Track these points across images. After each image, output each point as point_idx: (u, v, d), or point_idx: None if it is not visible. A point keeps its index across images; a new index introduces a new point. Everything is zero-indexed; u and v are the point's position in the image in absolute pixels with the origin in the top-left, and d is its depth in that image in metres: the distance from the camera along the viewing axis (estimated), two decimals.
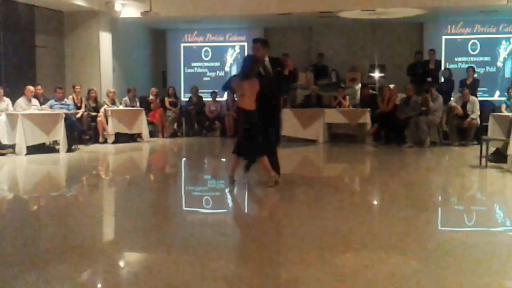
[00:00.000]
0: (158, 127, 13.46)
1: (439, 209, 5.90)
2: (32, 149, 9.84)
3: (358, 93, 13.52)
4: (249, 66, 6.40)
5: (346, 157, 10.36)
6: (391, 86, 12.24)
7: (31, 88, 10.46)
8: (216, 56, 15.73)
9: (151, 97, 13.58)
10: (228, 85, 6.91)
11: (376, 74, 14.29)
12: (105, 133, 11.90)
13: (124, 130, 12.13)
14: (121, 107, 12.43)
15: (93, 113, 11.90)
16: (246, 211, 5.89)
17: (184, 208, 6.02)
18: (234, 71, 15.68)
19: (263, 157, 6.49)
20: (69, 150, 10.35)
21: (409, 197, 6.36)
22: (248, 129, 6.50)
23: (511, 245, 4.32)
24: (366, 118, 11.89)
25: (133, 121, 12.25)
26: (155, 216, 5.50)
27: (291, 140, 12.16)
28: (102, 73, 13.20)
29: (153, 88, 13.86)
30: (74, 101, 11.47)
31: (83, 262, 3.77)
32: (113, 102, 12.36)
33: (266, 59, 6.68)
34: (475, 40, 14.26)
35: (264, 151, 6.51)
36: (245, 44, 15.54)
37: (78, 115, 11.38)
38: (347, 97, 12.79)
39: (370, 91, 13.30)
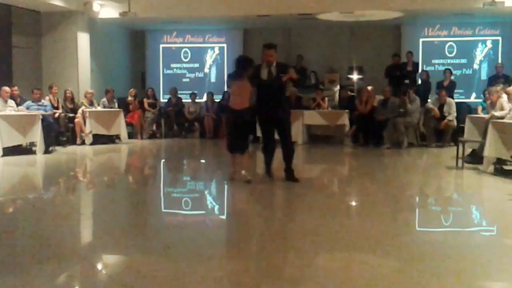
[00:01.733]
0: (137, 128, 13.38)
1: (417, 209, 5.95)
2: (9, 151, 9.70)
3: (337, 94, 13.61)
4: (241, 66, 6.52)
5: (325, 159, 10.41)
6: (369, 88, 12.33)
7: (6, 89, 10.31)
8: (195, 57, 15.68)
9: (129, 98, 13.49)
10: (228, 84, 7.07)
11: (355, 76, 14.39)
12: (83, 134, 11.79)
13: (102, 131, 12.02)
14: (99, 108, 12.32)
15: (71, 114, 11.78)
16: (223, 212, 5.87)
17: (163, 210, 5.98)
18: (213, 73, 15.68)
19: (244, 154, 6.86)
20: (46, 151, 10.23)
21: (387, 198, 6.40)
22: (241, 126, 6.73)
23: (487, 245, 4.38)
24: (344, 119, 11.96)
25: (112, 122, 12.15)
26: (134, 218, 5.46)
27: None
28: (80, 74, 13.08)
29: (131, 89, 13.78)
30: (51, 102, 11.34)
31: (60, 265, 3.72)
32: (91, 103, 12.25)
33: (274, 63, 6.78)
34: (452, 43, 14.42)
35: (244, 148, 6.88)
36: (225, 45, 15.52)
37: (56, 115, 11.26)
38: (326, 98, 12.85)
39: (349, 92, 13.39)
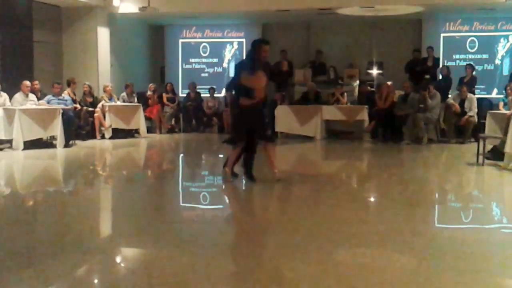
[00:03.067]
0: (156, 123, 13.44)
1: (436, 206, 5.91)
2: (29, 144, 9.82)
3: (356, 90, 13.53)
4: (255, 59, 6.54)
5: (344, 154, 10.37)
6: (389, 83, 12.24)
7: (27, 83, 10.42)
8: (214, 52, 15.69)
9: (149, 92, 13.56)
10: (234, 85, 6.87)
11: (374, 71, 14.29)
12: (102, 128, 11.88)
13: (122, 125, 12.10)
14: (118, 103, 12.41)
15: (90, 109, 11.88)
16: (243, 208, 5.89)
17: (182, 204, 6.01)
18: (232, 68, 15.67)
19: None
20: (67, 145, 10.33)
21: (406, 194, 6.36)
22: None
23: (508, 243, 4.33)
24: (363, 115, 11.89)
25: (131, 116, 12.23)
26: (153, 213, 5.49)
27: (289, 137, 12.17)
28: (100, 69, 13.17)
29: (151, 84, 13.84)
30: (71, 96, 11.45)
31: (79, 258, 3.77)
32: (110, 98, 12.34)
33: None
34: (474, 38, 14.25)
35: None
36: (243, 40, 15.49)
37: (77, 109, 11.37)
38: (345, 94, 12.79)
39: (368, 88, 13.31)
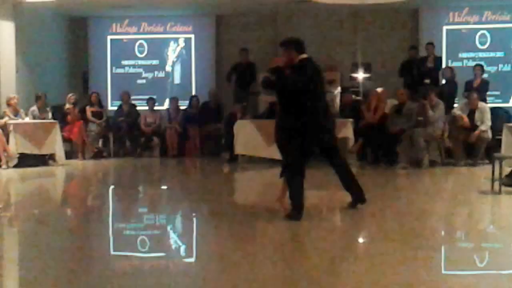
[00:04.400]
0: (77, 145, 13.31)
1: (442, 247, 5.97)
2: None
3: (338, 99, 13.65)
4: None
5: (323, 182, 10.39)
6: (379, 90, 12.41)
7: None
8: (154, 52, 15.67)
9: (67, 106, 13.43)
10: None
11: (360, 75, 14.47)
12: (5, 154, 11.68)
13: (32, 150, 11.93)
14: (27, 120, 12.24)
15: None
16: (187, 253, 5.85)
17: (112, 253, 5.94)
18: (177, 72, 15.67)
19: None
20: None
21: (403, 232, 6.42)
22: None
23: None
24: (347, 131, 11.97)
25: (44, 138, 12.07)
26: (73, 264, 5.40)
27: (252, 161, 12.18)
28: (1, 75, 12.98)
29: (70, 94, 13.71)
30: None
31: None
32: (16, 113, 12.17)
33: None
34: (485, 31, 14.56)
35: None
36: (192, 36, 15.54)
37: None
38: None
39: (353, 96, 13.45)
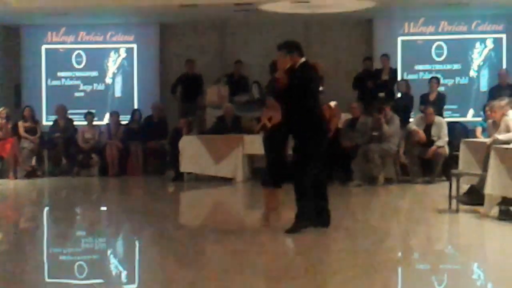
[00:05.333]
0: (9, 163, 13.11)
1: (399, 270, 6.03)
2: None
3: None
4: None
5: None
6: (332, 104, 12.49)
7: None
8: (93, 62, 15.52)
9: None
10: None
11: None
12: None
13: None
14: None
15: None
16: (128, 279, 5.80)
17: (47, 280, 5.85)
18: (118, 84, 15.55)
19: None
20: None
21: (357, 254, 6.47)
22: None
23: None
24: None
25: None
26: None
27: (199, 179, 12.16)
28: None
29: (1, 109, 13.50)
30: None
31: None
32: None
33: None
34: (441, 42, 14.78)
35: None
36: (134, 46, 15.46)
37: None
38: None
39: None
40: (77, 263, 6.43)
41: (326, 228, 7.30)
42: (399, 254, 6.71)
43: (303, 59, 7.39)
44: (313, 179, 7.20)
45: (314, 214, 7.24)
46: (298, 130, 7.22)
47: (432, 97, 12.87)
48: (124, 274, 6.03)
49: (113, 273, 6.06)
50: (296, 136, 7.28)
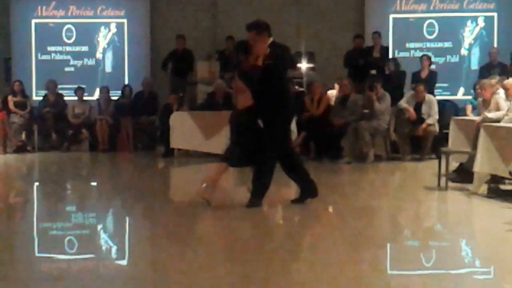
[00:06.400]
0: None
1: (387, 246, 6.06)
2: None
3: None
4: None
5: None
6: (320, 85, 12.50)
7: None
8: (83, 37, 15.47)
9: None
10: None
11: (303, 65, 14.55)
12: None
13: None
14: None
15: None
16: (118, 255, 5.81)
17: (37, 254, 5.86)
18: (109, 59, 15.50)
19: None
20: None
21: (347, 230, 6.49)
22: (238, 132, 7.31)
23: None
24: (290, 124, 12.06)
25: None
26: None
27: (190, 155, 12.16)
28: None
29: None
30: None
31: None
32: None
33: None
34: (433, 20, 14.79)
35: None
36: (124, 21, 15.39)
37: None
38: None
39: (296, 87, 13.51)
40: (67, 238, 6.44)
41: (313, 198, 7.34)
42: (388, 231, 6.74)
43: (271, 39, 7.24)
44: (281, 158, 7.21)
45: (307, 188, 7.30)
46: (265, 112, 7.11)
47: (424, 74, 12.89)
48: (114, 249, 6.04)
49: (103, 248, 6.06)
50: (263, 119, 7.17)
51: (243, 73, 7.34)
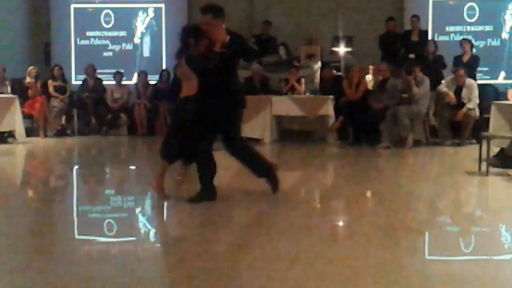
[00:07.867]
0: (39, 122, 13.22)
1: (426, 232, 6.01)
2: None
3: (317, 74, 13.67)
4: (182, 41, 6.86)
5: (301, 163, 10.44)
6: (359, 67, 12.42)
7: None
8: (121, 22, 15.57)
9: (28, 79, 13.31)
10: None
11: (341, 49, 14.47)
12: None
13: None
14: None
15: None
16: (162, 238, 5.84)
17: (77, 237, 5.92)
18: (147, 44, 15.58)
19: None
20: None
21: (386, 216, 6.45)
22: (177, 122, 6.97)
23: None
24: (328, 109, 12.02)
25: (2, 114, 11.98)
26: (36, 248, 5.37)
27: None
28: None
29: (31, 68, 13.59)
30: None
31: None
32: None
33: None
34: (473, 3, 14.60)
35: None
36: (162, 6, 15.45)
37: None
38: (303, 80, 12.91)
39: (334, 72, 13.46)
40: (106, 221, 6.49)
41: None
42: (427, 216, 6.68)
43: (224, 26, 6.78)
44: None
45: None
46: (214, 104, 6.72)
47: (466, 58, 12.70)
48: (151, 232, 6.08)
49: (141, 231, 6.11)
50: (218, 107, 6.76)
51: (193, 59, 6.82)
